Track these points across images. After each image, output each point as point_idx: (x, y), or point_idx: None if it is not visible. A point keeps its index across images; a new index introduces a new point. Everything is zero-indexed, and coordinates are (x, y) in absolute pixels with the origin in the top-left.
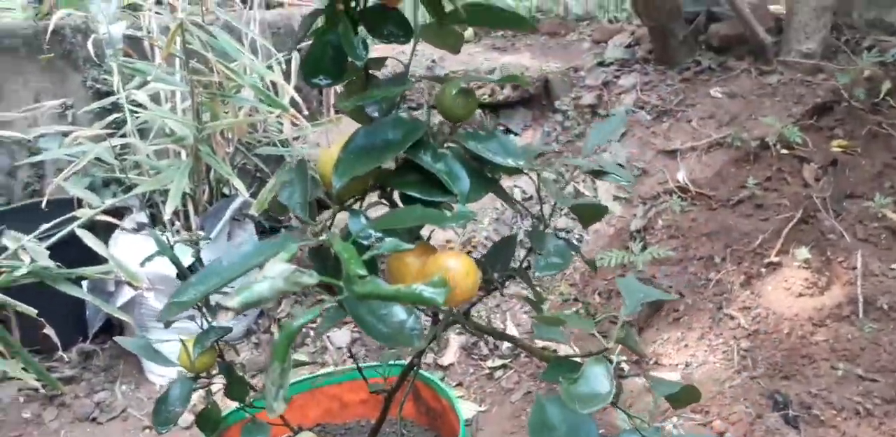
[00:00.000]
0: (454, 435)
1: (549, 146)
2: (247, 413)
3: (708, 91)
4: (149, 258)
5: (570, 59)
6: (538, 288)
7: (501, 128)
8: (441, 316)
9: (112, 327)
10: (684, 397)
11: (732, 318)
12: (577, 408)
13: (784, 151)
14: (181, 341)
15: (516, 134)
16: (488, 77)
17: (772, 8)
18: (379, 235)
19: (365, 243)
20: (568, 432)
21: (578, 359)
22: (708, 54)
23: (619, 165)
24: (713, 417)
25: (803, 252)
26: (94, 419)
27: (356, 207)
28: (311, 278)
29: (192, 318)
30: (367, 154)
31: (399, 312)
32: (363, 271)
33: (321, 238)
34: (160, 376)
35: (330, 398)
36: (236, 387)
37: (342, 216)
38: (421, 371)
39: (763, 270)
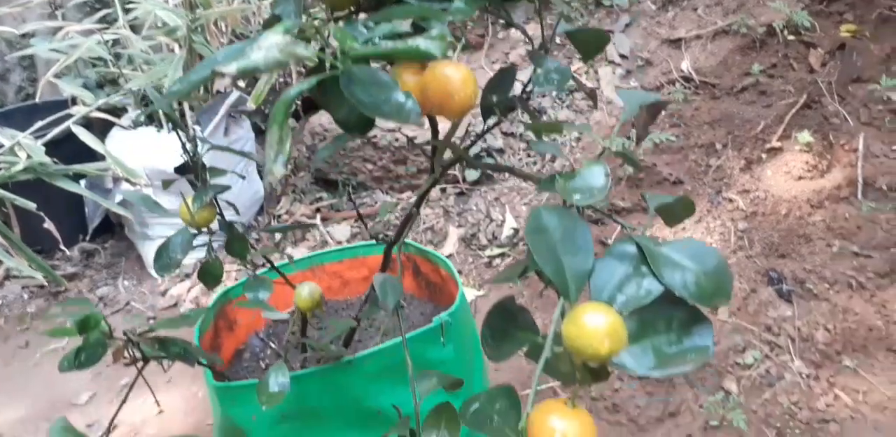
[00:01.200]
0: (452, 303)
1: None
2: (247, 271)
3: None
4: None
5: None
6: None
7: (502, 22)
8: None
9: (112, 226)
10: (679, 210)
11: (731, 201)
12: (572, 199)
13: (791, 38)
14: (182, 197)
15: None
16: None
17: None
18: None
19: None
20: (563, 234)
21: None
22: None
23: (622, 56)
24: None
25: (805, 136)
26: None
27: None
28: (306, 50)
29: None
30: None
31: (397, 95)
32: (358, 45)
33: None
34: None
35: (331, 276)
36: (237, 243)
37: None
38: (420, 245)
39: (764, 155)
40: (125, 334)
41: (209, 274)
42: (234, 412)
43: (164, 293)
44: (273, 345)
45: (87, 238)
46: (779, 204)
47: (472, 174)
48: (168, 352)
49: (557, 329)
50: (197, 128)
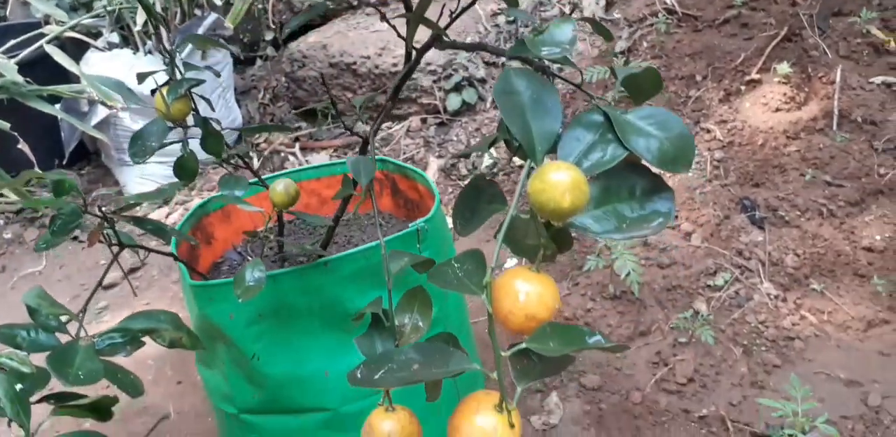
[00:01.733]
0: None
1: None
2: (224, 168)
3: None
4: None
5: None
6: None
7: None
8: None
9: (88, 153)
10: (646, 84)
11: (709, 131)
12: (539, 53)
13: None
14: (158, 90)
15: None
16: None
17: None
18: None
19: None
20: (531, 97)
21: None
22: None
23: None
24: (682, 221)
25: (784, 68)
26: (75, 238)
27: None
28: None
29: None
30: None
31: None
32: None
33: None
34: None
35: (309, 194)
36: (212, 139)
37: None
38: (397, 162)
39: (743, 87)
40: (100, 210)
41: (184, 168)
42: (210, 311)
43: None
44: (251, 258)
45: (63, 163)
46: (755, 135)
47: (454, 103)
48: (143, 228)
49: (522, 191)
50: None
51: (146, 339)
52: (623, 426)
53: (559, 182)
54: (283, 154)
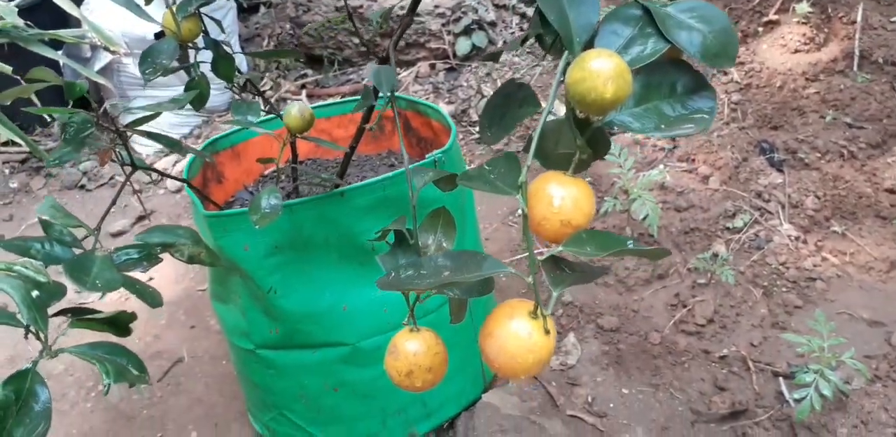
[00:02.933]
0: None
1: None
2: (235, 93)
3: None
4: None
5: None
6: None
7: None
8: None
9: (90, 103)
10: None
11: (725, 73)
12: None
13: None
14: (168, 9)
15: None
16: None
17: None
18: None
19: None
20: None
21: None
22: None
23: None
24: (699, 164)
25: (803, 7)
26: (82, 187)
27: None
28: None
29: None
30: None
31: None
32: None
33: None
34: (146, 145)
35: (319, 133)
36: (222, 63)
37: None
38: (410, 97)
39: (760, 29)
40: (112, 122)
41: (196, 91)
42: (225, 242)
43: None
44: None
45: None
46: (773, 77)
47: (463, 47)
48: (158, 141)
49: (559, 88)
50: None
51: (164, 260)
52: (642, 365)
53: (601, 70)
54: (289, 102)
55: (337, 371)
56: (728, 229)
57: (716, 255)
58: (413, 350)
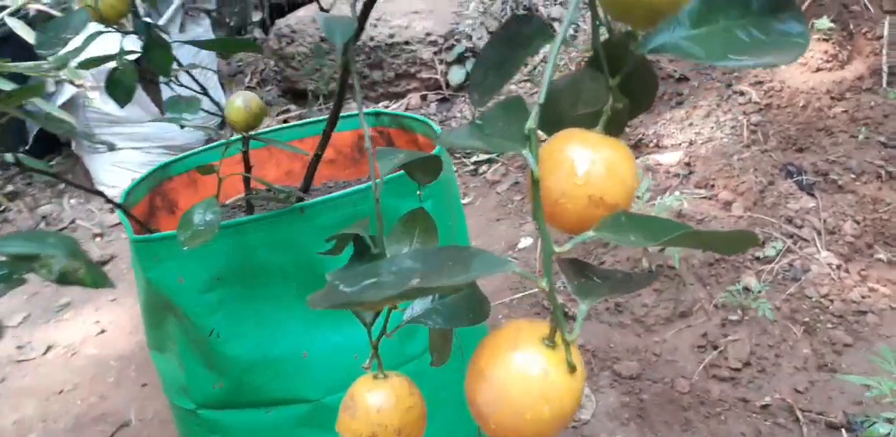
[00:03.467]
0: None
1: None
2: (172, 90)
3: None
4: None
5: None
6: None
7: None
8: None
9: (58, 144)
10: None
11: (743, 94)
12: None
13: None
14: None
15: None
16: None
17: None
18: None
19: None
20: None
21: None
22: None
23: None
24: (719, 189)
25: (824, 22)
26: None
27: None
28: None
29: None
30: None
31: None
32: None
33: None
34: (112, 187)
35: (291, 158)
36: (157, 51)
37: None
38: (394, 111)
39: None
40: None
41: (118, 85)
42: (156, 273)
43: (112, 210)
44: None
45: (27, 148)
46: (795, 96)
47: (457, 76)
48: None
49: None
50: (149, 20)
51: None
52: (670, 419)
53: None
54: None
55: (297, 436)
56: (758, 258)
57: (747, 288)
58: (376, 405)
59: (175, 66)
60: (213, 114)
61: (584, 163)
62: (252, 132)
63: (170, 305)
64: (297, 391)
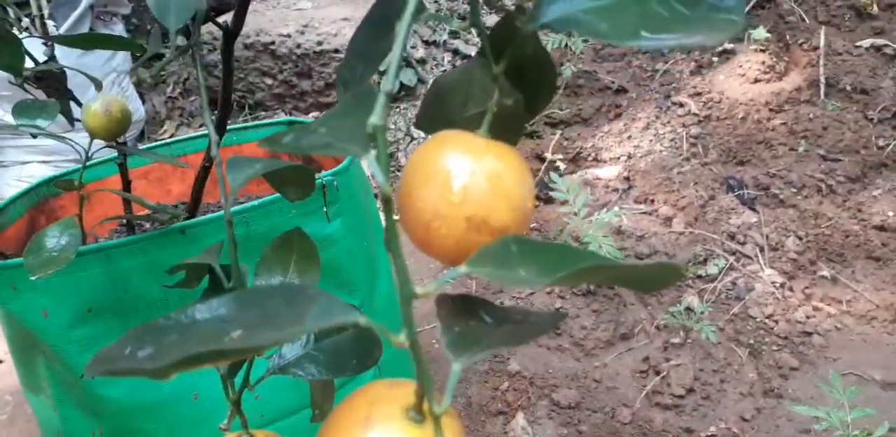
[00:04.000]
0: None
1: None
2: (29, 92)
3: None
4: None
5: None
6: None
7: None
8: None
9: None
10: None
11: (682, 105)
12: None
13: None
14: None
15: None
16: None
17: None
18: None
19: None
20: None
21: None
22: None
23: None
24: (659, 204)
25: (760, 32)
26: None
27: None
28: None
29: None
30: None
31: None
32: None
33: None
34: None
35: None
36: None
37: None
38: (308, 120)
39: (715, 58)
40: None
41: None
42: (17, 306)
43: None
44: None
45: None
46: (735, 108)
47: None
48: None
49: None
50: (50, 23)
51: None
52: None
53: None
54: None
55: None
56: (700, 277)
57: (689, 308)
58: None
59: (38, 66)
60: (71, 119)
61: (461, 175)
62: (120, 140)
63: (36, 342)
64: None
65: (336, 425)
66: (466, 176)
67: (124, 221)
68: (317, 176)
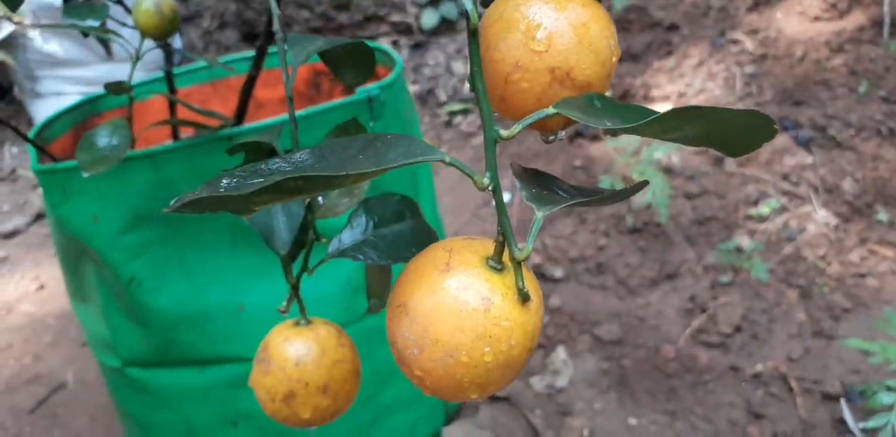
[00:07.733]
0: None
1: None
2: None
3: None
4: None
5: None
6: None
7: None
8: None
9: (2, 89)
10: None
11: (736, 42)
12: None
13: None
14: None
15: None
16: None
17: None
18: None
19: None
20: None
21: None
22: None
23: None
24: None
25: None
26: None
27: None
28: None
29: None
30: None
31: None
32: None
33: None
34: None
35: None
36: None
37: None
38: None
39: None
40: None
41: None
42: (65, 211)
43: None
44: None
45: None
46: (793, 46)
47: (430, 20)
48: None
49: None
50: None
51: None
52: (653, 387)
53: None
54: None
55: (234, 399)
56: (751, 217)
57: (739, 248)
58: (295, 358)
59: None
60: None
61: (546, 23)
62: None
63: (85, 249)
64: (233, 348)
65: (416, 271)
66: (552, 24)
67: (172, 135)
68: (363, 88)
